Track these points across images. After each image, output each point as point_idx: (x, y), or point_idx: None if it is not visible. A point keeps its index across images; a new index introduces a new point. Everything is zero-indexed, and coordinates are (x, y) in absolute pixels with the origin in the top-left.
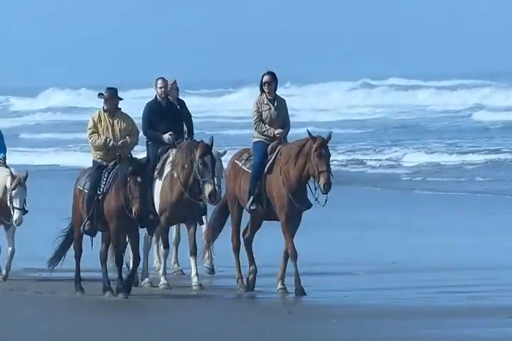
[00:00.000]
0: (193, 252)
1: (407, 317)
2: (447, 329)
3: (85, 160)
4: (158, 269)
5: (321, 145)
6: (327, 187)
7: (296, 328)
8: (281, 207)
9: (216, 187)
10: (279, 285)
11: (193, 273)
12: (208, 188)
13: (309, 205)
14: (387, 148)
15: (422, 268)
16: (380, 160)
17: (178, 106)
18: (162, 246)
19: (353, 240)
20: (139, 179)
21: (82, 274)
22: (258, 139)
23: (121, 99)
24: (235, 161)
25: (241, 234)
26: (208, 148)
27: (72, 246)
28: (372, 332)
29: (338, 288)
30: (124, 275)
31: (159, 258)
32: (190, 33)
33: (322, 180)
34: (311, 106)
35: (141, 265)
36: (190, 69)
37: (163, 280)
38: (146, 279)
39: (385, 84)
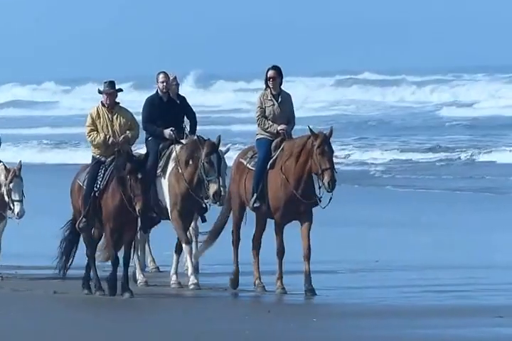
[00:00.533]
0: (179, 251)
1: (390, 316)
2: (432, 329)
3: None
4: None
5: (323, 142)
6: (332, 184)
7: (277, 327)
8: (277, 208)
9: (221, 187)
10: (307, 286)
11: (173, 271)
12: (212, 188)
13: (316, 202)
14: (356, 144)
15: (405, 266)
16: (349, 156)
17: (178, 102)
18: (184, 244)
19: (335, 238)
20: (139, 175)
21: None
22: (261, 136)
23: (120, 91)
24: (240, 160)
25: (251, 239)
26: (214, 147)
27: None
28: (355, 331)
29: (320, 287)
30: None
31: (187, 256)
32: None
33: (326, 178)
34: None
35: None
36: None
37: (193, 280)
38: (141, 278)
39: (357, 79)
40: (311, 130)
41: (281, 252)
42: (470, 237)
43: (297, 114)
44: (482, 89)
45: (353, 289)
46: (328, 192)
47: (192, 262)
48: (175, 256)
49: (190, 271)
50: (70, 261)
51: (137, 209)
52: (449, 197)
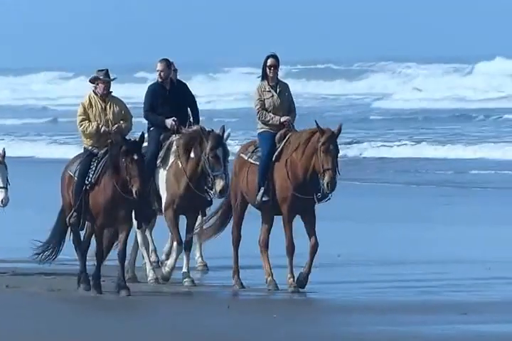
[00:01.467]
0: (187, 247)
1: (354, 312)
2: (396, 326)
3: None
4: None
5: (328, 140)
6: (330, 186)
7: (238, 324)
8: (283, 200)
9: (228, 182)
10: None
11: (185, 268)
12: (219, 184)
13: (321, 197)
14: None
15: (369, 261)
16: None
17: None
18: (176, 243)
19: (296, 232)
20: (135, 156)
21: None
22: (263, 129)
23: (113, 79)
24: (241, 155)
25: (257, 240)
26: (220, 139)
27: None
28: (316, 327)
29: (281, 282)
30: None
31: (168, 255)
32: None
33: (326, 179)
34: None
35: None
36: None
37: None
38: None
39: (291, 69)
40: (317, 125)
41: (291, 250)
42: (432, 231)
43: (217, 106)
44: (406, 81)
45: (315, 284)
46: (326, 193)
47: (175, 262)
48: (185, 254)
49: (168, 267)
50: (56, 250)
51: (134, 191)
52: (406, 191)
